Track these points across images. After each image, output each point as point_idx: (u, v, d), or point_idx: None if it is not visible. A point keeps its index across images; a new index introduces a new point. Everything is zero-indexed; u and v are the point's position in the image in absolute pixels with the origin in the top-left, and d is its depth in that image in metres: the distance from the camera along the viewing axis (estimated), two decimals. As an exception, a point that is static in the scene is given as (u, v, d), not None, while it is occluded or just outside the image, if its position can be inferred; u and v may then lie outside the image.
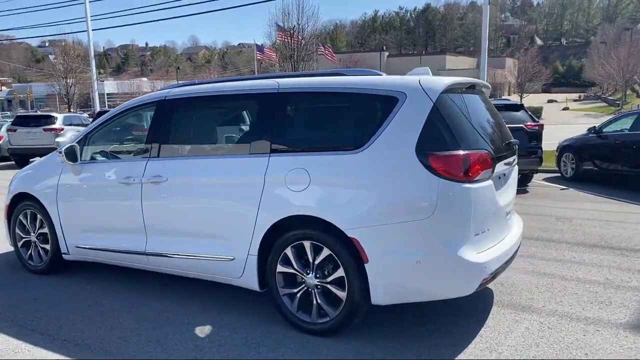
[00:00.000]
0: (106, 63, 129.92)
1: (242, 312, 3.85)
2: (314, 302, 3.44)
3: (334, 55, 40.76)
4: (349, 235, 3.23)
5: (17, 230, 5.01)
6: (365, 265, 3.21)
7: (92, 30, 20.75)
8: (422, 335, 3.46)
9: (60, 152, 4.50)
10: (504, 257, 3.44)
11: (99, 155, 4.62)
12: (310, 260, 3.42)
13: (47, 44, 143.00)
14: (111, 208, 4.32)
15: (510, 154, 3.76)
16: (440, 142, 3.14)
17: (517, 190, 4.24)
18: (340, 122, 3.63)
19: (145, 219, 4.11)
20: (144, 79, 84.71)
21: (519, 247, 3.94)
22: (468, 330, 3.51)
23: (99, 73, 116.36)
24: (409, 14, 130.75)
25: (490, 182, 3.31)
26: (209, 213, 3.80)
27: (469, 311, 3.84)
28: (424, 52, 77.48)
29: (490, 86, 4.22)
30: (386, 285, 3.21)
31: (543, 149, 9.54)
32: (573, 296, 4.11)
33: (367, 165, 3.25)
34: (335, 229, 3.27)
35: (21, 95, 58.34)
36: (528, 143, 9.23)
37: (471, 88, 3.75)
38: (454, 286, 3.18)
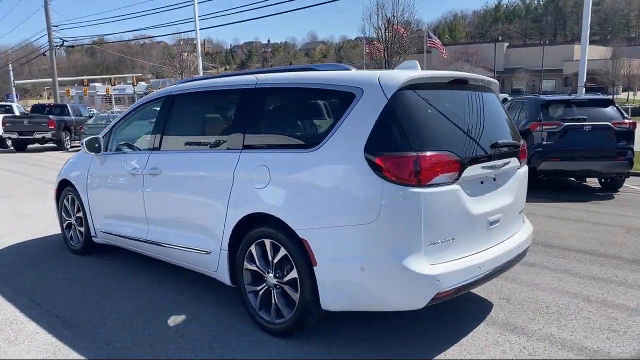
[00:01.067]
0: (231, 59, 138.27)
1: (221, 306, 3.91)
2: (273, 301, 3.40)
3: (442, 46, 39.37)
4: (300, 236, 3.13)
5: (62, 213, 5.56)
6: (314, 268, 3.09)
7: (211, 27, 22.08)
8: (383, 345, 3.25)
9: (82, 143, 4.90)
10: (477, 271, 3.11)
11: (125, 147, 4.94)
12: (270, 259, 3.38)
13: (181, 42, 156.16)
14: (123, 197, 4.62)
15: (498, 157, 3.36)
16: (390, 142, 2.91)
17: (601, 196, 3.78)
18: (302, 119, 3.53)
19: (145, 208, 4.34)
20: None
21: (515, 258, 3.55)
22: (435, 347, 3.23)
23: (225, 69, 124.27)
24: (536, 1, 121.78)
25: (455, 187, 3.00)
26: (192, 206, 3.92)
27: (450, 326, 3.53)
28: (547, 42, 71.49)
29: (494, 81, 3.81)
30: (334, 291, 3.07)
31: (635, 150, 8.38)
32: (583, 321, 3.59)
33: (319, 165, 3.12)
34: (289, 229, 3.19)
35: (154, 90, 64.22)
36: (616, 143, 8.19)
37: (460, 83, 3.42)
38: (400, 298, 2.95)
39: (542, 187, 8.91)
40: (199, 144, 4.13)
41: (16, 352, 3.25)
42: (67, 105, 20.93)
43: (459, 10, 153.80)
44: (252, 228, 3.45)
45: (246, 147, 3.57)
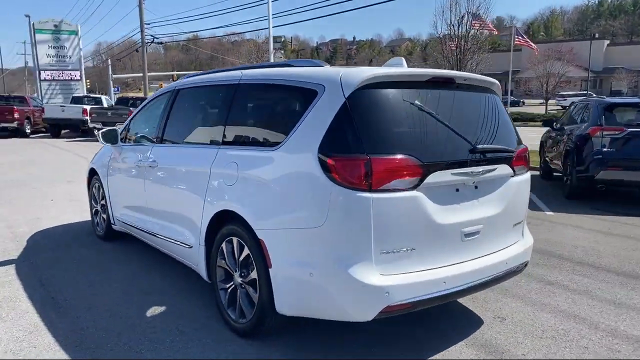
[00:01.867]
0: (316, 57, 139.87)
1: (203, 301, 3.92)
2: (238, 301, 3.35)
3: (531, 44, 37.18)
4: (258, 236, 3.06)
5: (91, 200, 5.88)
6: (270, 270, 3.00)
7: (296, 23, 22.34)
8: (344, 350, 3.10)
9: (98, 135, 5.13)
10: (440, 286, 2.87)
11: (142, 139, 5.11)
12: (237, 257, 3.34)
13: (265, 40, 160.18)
14: (132, 187, 4.78)
15: (477, 163, 3.06)
16: (343, 143, 2.75)
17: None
18: (271, 116, 3.44)
19: (146, 200, 4.47)
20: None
21: (505, 275, 3.25)
22: (396, 363, 3.03)
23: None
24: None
25: (415, 193, 2.78)
26: (177, 200, 3.98)
27: (426, 341, 3.30)
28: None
29: (492, 81, 3.48)
30: (286, 295, 2.96)
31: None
32: (577, 350, 3.21)
33: (279, 164, 3.03)
34: (250, 228, 3.12)
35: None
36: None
37: (445, 83, 3.16)
38: (346, 308, 2.77)
39: (604, 198, 8.12)
40: (188, 138, 4.17)
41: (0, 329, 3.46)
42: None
43: (558, 6, 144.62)
44: (223, 225, 3.42)
45: (224, 142, 3.56)
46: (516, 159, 3.37)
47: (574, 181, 7.73)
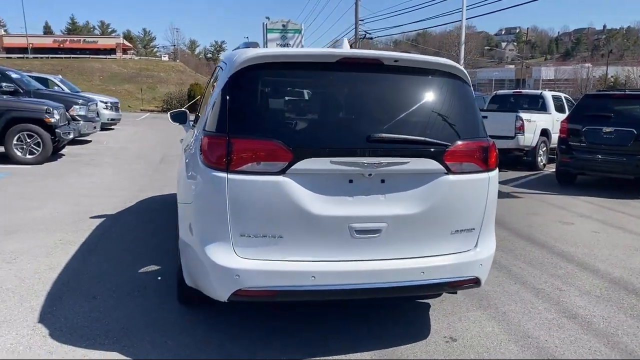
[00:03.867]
0: (554, 48, 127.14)
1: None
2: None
3: None
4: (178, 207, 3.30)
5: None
6: (178, 240, 3.21)
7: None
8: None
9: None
10: (308, 281, 2.69)
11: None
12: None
13: (502, 32, 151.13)
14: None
15: (374, 153, 2.70)
16: (215, 123, 2.78)
17: None
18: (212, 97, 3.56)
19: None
20: (588, 64, 78.97)
21: (415, 288, 2.86)
22: None
23: (544, 59, 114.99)
24: None
25: (280, 178, 2.65)
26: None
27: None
28: None
29: (446, 63, 2.99)
30: (185, 268, 3.12)
31: None
32: None
33: (192, 141, 3.20)
34: None
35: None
36: None
37: (368, 65, 2.88)
38: (208, 285, 2.80)
39: None
40: (197, 120, 4.54)
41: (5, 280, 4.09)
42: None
43: None
44: None
45: (193, 122, 3.85)
46: (454, 155, 2.86)
47: None
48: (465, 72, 3.07)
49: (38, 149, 9.65)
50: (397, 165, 2.76)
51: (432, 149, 2.82)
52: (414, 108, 2.95)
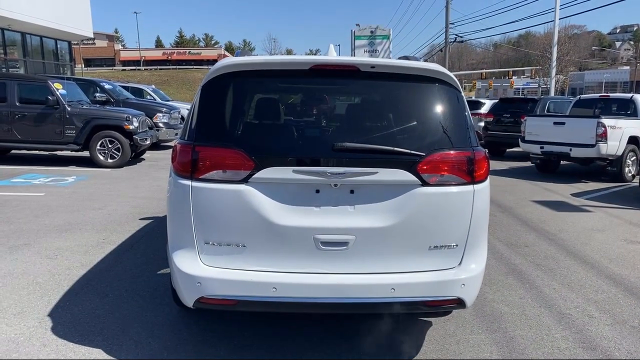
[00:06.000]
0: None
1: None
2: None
3: None
4: None
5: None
6: None
7: None
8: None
9: None
10: (268, 292, 2.65)
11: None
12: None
13: (617, 30, 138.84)
14: None
15: (339, 163, 2.58)
16: (186, 131, 2.83)
17: None
18: None
19: None
20: None
21: (385, 305, 2.71)
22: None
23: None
24: None
25: (242, 187, 2.64)
26: None
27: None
28: None
29: (407, 65, 2.78)
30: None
31: None
32: None
33: None
34: None
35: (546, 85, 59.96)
36: None
37: (343, 72, 2.78)
38: (178, 290, 2.84)
39: None
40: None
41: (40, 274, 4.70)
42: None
43: None
44: None
45: None
46: (430, 165, 2.67)
47: None
48: (453, 76, 2.86)
49: (118, 153, 10.46)
50: (365, 176, 2.63)
51: (404, 159, 2.66)
52: (391, 116, 2.81)
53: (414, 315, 3.53)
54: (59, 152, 11.01)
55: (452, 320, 3.54)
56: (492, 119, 14.35)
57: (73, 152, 10.69)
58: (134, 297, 3.85)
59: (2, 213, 6.41)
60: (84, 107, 10.80)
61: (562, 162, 11.18)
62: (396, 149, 2.66)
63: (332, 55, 3.23)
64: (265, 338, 3.24)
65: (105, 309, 3.63)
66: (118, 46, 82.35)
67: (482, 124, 14.75)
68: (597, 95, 12.56)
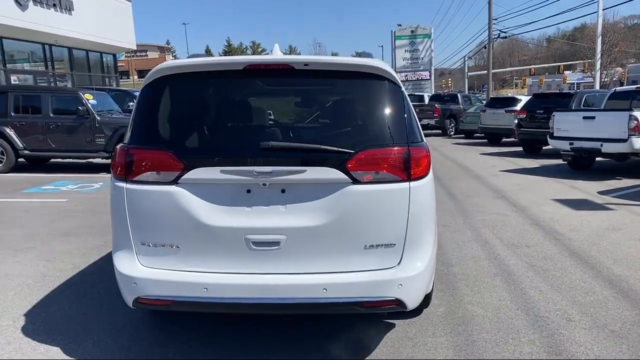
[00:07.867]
0: None
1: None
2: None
3: None
4: None
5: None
6: None
7: None
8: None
9: None
10: (200, 292, 2.66)
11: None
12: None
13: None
14: None
15: (266, 162, 2.56)
16: (128, 135, 2.89)
17: None
18: None
19: None
20: None
21: (322, 306, 2.67)
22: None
23: None
24: None
25: (172, 188, 2.67)
26: None
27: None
28: None
29: (341, 62, 2.72)
30: None
31: None
32: None
33: None
34: None
35: None
36: None
37: (279, 70, 2.76)
38: (121, 291, 2.89)
39: None
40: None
41: (32, 276, 4.90)
42: (458, 94, 22.40)
43: None
44: None
45: None
46: (361, 163, 2.60)
47: None
48: (393, 72, 2.78)
49: (144, 160, 10.81)
50: (293, 175, 2.60)
51: (333, 157, 2.60)
52: (326, 114, 2.77)
53: (375, 317, 3.44)
54: (93, 160, 11.50)
55: (417, 323, 3.43)
56: (524, 116, 13.82)
57: (104, 160, 11.15)
58: (110, 298, 3.95)
59: (21, 218, 6.77)
60: (113, 115, 11.24)
61: (597, 159, 10.61)
62: (322, 146, 2.61)
63: (277, 55, 3.22)
64: (221, 338, 3.26)
65: (79, 309, 3.76)
66: (169, 57, 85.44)
67: (515, 121, 14.24)
68: (633, 87, 11.83)
